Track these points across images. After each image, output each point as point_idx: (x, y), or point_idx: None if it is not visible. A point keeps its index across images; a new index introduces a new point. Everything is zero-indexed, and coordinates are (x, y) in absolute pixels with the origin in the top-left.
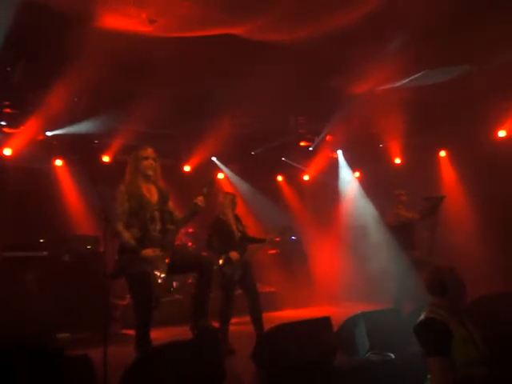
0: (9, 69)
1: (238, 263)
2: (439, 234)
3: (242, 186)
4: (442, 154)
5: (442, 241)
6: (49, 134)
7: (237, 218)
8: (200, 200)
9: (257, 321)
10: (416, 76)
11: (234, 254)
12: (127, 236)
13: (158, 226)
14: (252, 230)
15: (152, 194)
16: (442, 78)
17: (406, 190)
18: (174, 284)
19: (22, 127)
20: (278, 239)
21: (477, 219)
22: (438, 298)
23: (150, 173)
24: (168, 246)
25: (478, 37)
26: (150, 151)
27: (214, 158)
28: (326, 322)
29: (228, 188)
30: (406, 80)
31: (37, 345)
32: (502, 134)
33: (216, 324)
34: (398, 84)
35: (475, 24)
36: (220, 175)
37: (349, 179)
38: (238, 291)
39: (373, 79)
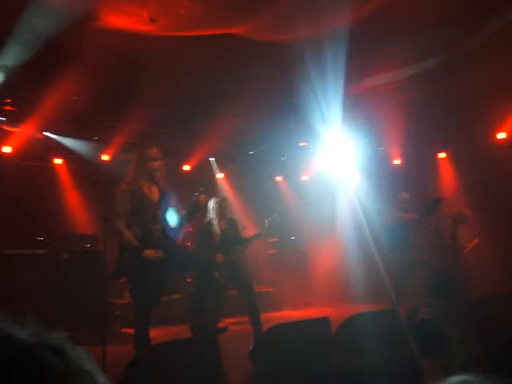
0: (10, 66)
1: (225, 266)
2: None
3: (241, 185)
4: (442, 155)
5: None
6: (48, 134)
7: (229, 221)
8: (202, 198)
9: (255, 321)
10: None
11: (218, 257)
12: (129, 235)
13: (159, 226)
14: (251, 230)
15: (153, 193)
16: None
17: (409, 193)
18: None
19: (22, 125)
20: (277, 238)
21: (476, 221)
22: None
23: (158, 173)
24: (169, 246)
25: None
26: (157, 151)
27: (212, 159)
28: (324, 322)
29: (227, 188)
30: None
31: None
32: (501, 136)
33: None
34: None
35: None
36: (219, 175)
37: (348, 179)
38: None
39: (374, 76)
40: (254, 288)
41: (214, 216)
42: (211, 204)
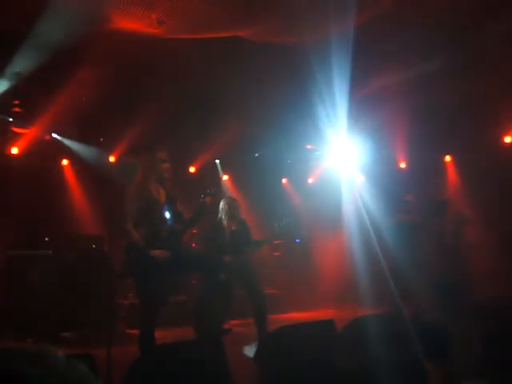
0: (19, 71)
1: (233, 267)
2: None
3: (247, 188)
4: (448, 159)
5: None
6: (55, 136)
7: (239, 222)
8: (208, 200)
9: (261, 323)
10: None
11: (227, 258)
12: (136, 235)
13: (166, 227)
14: (254, 230)
15: (160, 194)
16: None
17: (414, 196)
18: None
19: (30, 127)
20: (282, 241)
21: (481, 224)
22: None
23: (166, 176)
24: (175, 247)
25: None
26: (165, 154)
27: (217, 161)
28: (329, 324)
29: (232, 190)
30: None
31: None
32: (508, 140)
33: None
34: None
35: None
36: (225, 177)
37: (354, 182)
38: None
39: (380, 79)
40: (263, 290)
41: (224, 217)
42: (221, 205)
